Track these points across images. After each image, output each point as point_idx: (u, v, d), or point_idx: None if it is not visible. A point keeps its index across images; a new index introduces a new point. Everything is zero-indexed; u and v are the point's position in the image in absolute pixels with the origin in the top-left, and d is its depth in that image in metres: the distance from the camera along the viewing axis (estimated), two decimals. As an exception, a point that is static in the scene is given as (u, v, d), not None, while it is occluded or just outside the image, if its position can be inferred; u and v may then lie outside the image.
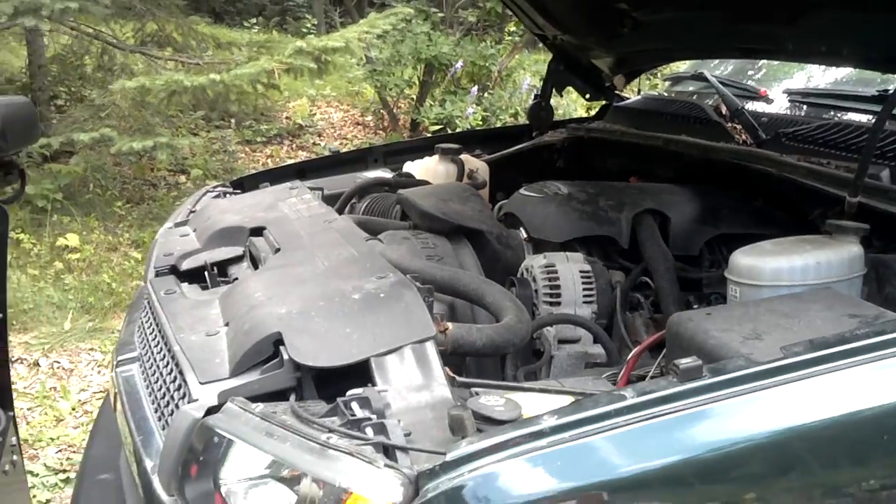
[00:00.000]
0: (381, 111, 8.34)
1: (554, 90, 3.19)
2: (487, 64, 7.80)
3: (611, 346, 1.93)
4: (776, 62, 2.92)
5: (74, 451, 3.86)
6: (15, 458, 2.12)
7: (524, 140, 3.15)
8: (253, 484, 1.24)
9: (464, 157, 2.86)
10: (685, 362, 1.16)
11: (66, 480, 3.66)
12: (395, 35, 7.39)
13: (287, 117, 8.55)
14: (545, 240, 2.14)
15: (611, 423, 1.08)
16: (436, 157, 2.84)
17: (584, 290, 1.94)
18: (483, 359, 1.79)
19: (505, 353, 1.72)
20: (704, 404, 1.14)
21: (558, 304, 1.92)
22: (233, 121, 7.93)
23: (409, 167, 2.90)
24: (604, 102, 3.24)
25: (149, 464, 1.47)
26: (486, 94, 7.73)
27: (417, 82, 8.01)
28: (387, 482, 1.05)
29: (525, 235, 2.21)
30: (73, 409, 4.27)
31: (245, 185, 2.86)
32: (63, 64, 6.90)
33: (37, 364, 4.57)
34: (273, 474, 1.22)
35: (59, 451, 3.89)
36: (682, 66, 3.69)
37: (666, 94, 3.41)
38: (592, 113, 3.55)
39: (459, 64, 7.60)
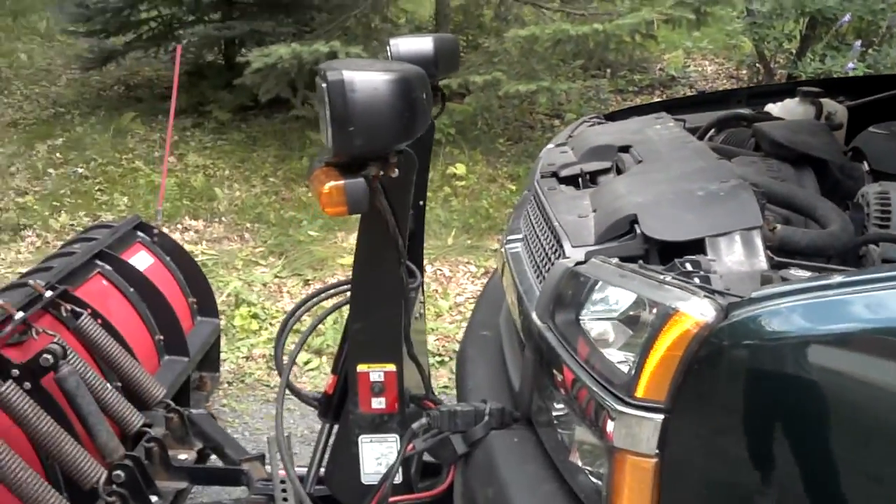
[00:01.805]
0: (757, 65, 8.30)
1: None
2: (876, 19, 7.46)
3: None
4: None
5: (449, 341, 4.60)
6: (421, 311, 2.79)
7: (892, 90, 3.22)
8: (601, 317, 1.69)
9: (824, 100, 3.04)
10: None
11: (442, 362, 4.40)
12: (779, -13, 7.34)
13: (661, 69, 8.82)
14: (886, 171, 2.32)
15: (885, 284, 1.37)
16: (796, 98, 3.05)
17: (915, 216, 2.12)
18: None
19: (826, 256, 1.98)
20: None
21: (887, 227, 2.12)
22: (608, 70, 8.37)
23: (770, 108, 3.14)
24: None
25: (529, 305, 1.97)
26: (870, 51, 7.42)
27: (798, 36, 7.88)
28: (704, 305, 1.43)
29: (867, 168, 2.41)
30: (450, 308, 5.04)
31: (616, 117, 3.28)
32: (465, 13, 7.77)
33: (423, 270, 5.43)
34: (619, 315, 1.65)
35: (437, 339, 4.65)
36: None
37: None
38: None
39: (846, 17, 7.36)
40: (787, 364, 1.40)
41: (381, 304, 2.22)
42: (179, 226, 5.88)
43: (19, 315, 2.68)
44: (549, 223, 2.11)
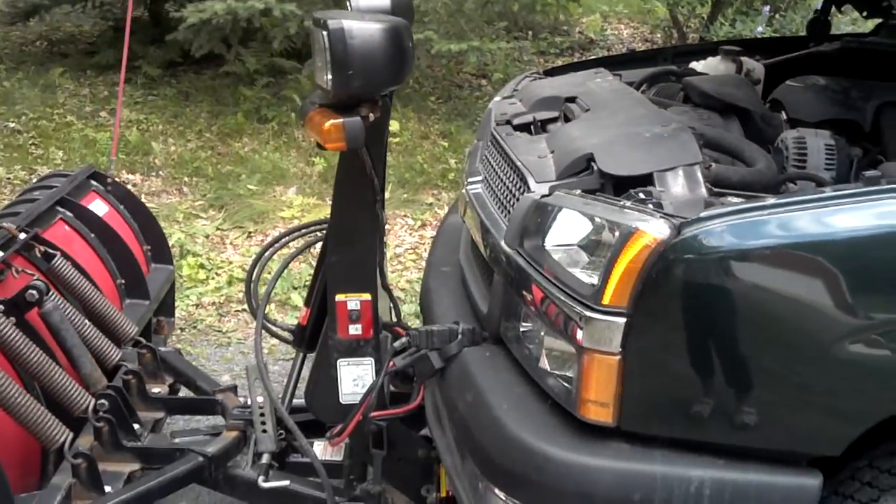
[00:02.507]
0: (671, 29, 8.70)
1: (833, 7, 3.57)
2: (787, -16, 7.94)
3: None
4: None
5: (393, 289, 4.81)
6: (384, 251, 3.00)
7: (800, 50, 3.57)
8: (565, 241, 1.95)
9: (743, 58, 3.36)
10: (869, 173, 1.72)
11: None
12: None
13: (580, 31, 9.14)
14: (800, 119, 2.65)
15: (812, 205, 1.67)
16: (718, 56, 3.37)
17: (827, 159, 2.44)
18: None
19: (753, 192, 2.28)
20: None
21: (804, 167, 2.44)
22: (530, 32, 8.65)
23: (694, 65, 3.44)
24: (879, 21, 3.58)
25: (497, 236, 2.22)
26: (777, 16, 7.89)
27: (710, 1, 8.28)
28: (660, 224, 1.71)
29: (785, 117, 2.73)
30: (391, 258, 5.24)
31: (555, 73, 3.54)
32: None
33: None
34: (580, 240, 1.92)
35: (381, 287, 4.83)
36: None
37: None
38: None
39: (756, -17, 7.81)
40: (728, 273, 1.70)
41: (357, 239, 2.44)
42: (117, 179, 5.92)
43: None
44: (511, 164, 2.36)
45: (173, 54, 7.18)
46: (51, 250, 3.05)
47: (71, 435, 2.59)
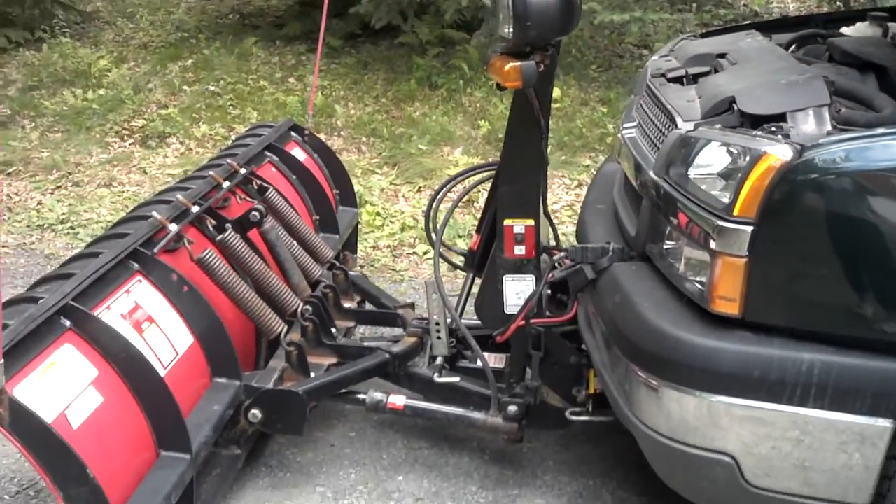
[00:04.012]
0: (837, 2, 8.63)
1: None
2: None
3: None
4: None
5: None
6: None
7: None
8: (706, 170, 2.30)
9: (890, 24, 3.55)
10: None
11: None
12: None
13: (744, 4, 9.18)
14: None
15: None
16: (866, 22, 3.58)
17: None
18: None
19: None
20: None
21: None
22: (694, 5, 8.77)
23: (843, 30, 3.67)
24: None
25: (647, 168, 2.60)
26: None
27: (879, -27, 8.17)
28: (784, 148, 2.05)
29: (923, 75, 2.95)
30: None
31: (709, 35, 3.83)
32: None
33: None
34: (719, 169, 2.27)
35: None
36: None
37: None
38: None
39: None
40: (841, 189, 2.02)
41: (525, 172, 2.87)
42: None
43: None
44: (662, 107, 2.72)
45: (354, 26, 7.80)
46: (265, 184, 3.64)
47: (286, 327, 3.15)
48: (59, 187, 6.05)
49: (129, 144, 6.58)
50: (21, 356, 2.15)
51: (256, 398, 2.91)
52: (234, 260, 3.15)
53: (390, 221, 5.51)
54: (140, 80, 7.45)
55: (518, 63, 2.38)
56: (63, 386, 2.24)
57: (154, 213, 2.92)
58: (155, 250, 2.81)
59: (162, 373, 2.56)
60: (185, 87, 7.32)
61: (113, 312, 2.55)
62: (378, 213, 5.54)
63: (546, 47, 2.48)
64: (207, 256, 2.96)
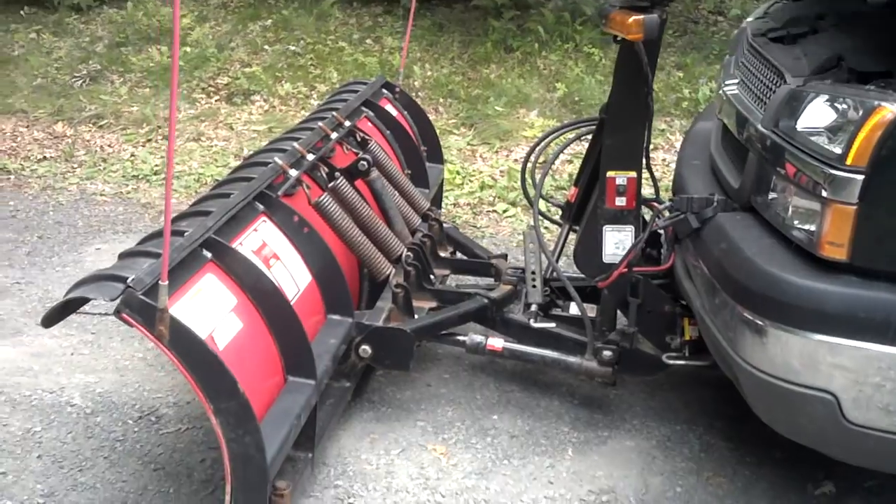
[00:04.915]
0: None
1: None
2: None
3: None
4: None
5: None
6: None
7: None
8: (815, 123, 2.40)
9: None
10: None
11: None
12: None
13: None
14: None
15: None
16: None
17: None
18: None
19: None
20: None
21: None
22: (769, -28, 8.72)
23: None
24: None
25: (751, 121, 2.70)
26: None
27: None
28: (898, 100, 2.15)
29: None
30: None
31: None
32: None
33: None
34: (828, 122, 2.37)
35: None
36: None
37: None
38: None
39: None
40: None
41: (630, 124, 2.99)
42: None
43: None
44: (769, 65, 2.82)
45: (429, -12, 7.91)
46: (366, 136, 3.80)
47: (393, 270, 3.32)
48: (149, 140, 6.29)
49: (216, 101, 6.80)
50: (174, 282, 2.33)
51: (367, 335, 3.09)
52: (344, 206, 3.32)
53: (469, 180, 5.66)
54: (222, 39, 7.65)
55: (641, 16, 2.50)
56: (209, 311, 2.43)
57: (276, 159, 3.10)
58: (279, 193, 2.99)
59: (289, 305, 2.74)
60: (266, 47, 7.51)
61: (245, 248, 2.74)
62: (457, 172, 5.68)
63: (664, 0, 2.60)
64: (324, 200, 3.14)
